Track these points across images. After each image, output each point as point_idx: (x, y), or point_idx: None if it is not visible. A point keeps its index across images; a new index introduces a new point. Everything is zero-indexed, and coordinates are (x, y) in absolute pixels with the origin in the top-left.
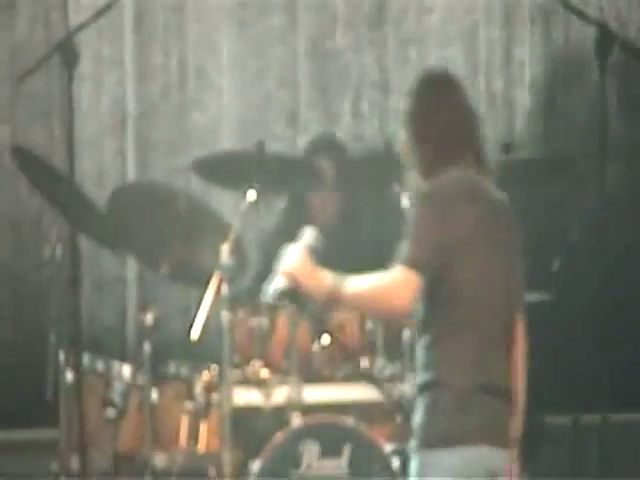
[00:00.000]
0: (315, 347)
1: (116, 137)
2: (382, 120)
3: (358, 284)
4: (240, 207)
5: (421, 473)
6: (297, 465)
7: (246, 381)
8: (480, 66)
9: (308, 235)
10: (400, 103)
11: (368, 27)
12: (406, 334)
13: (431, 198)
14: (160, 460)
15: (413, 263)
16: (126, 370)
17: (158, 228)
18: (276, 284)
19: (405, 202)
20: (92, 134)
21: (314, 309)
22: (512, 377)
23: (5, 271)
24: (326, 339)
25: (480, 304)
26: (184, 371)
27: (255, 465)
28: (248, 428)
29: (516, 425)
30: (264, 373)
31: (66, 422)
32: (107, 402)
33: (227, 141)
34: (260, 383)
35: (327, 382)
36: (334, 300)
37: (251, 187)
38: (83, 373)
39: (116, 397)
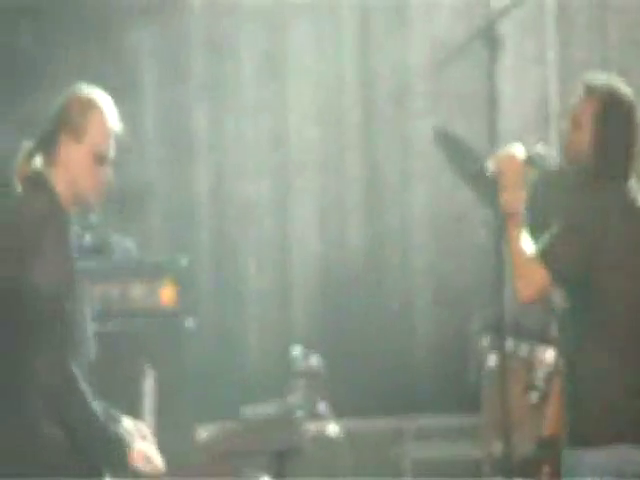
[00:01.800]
0: None
1: (539, 135)
2: None
3: (525, 240)
4: None
5: (568, 472)
6: None
7: None
8: None
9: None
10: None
11: None
12: None
13: (583, 209)
14: None
15: (548, 261)
16: (549, 355)
17: None
18: (487, 162)
19: None
20: (514, 131)
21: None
22: None
23: (431, 266)
24: None
25: (626, 309)
26: None
27: None
28: None
29: None
30: None
31: (489, 407)
32: (530, 387)
33: None
34: None
35: None
36: (507, 217)
37: None
38: (507, 358)
39: (539, 382)
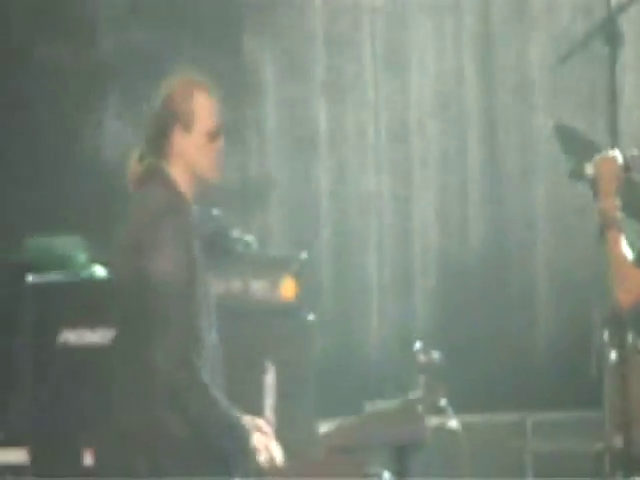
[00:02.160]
0: None
1: None
2: None
3: (623, 246)
4: None
5: None
6: None
7: None
8: None
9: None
10: None
11: None
12: None
13: None
14: None
15: None
16: None
17: None
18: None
19: None
20: (634, 125)
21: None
22: None
23: (552, 259)
24: None
25: None
26: None
27: None
28: None
29: None
30: None
31: (610, 402)
32: None
33: None
34: None
35: None
36: (603, 223)
37: None
38: (627, 352)
39: None
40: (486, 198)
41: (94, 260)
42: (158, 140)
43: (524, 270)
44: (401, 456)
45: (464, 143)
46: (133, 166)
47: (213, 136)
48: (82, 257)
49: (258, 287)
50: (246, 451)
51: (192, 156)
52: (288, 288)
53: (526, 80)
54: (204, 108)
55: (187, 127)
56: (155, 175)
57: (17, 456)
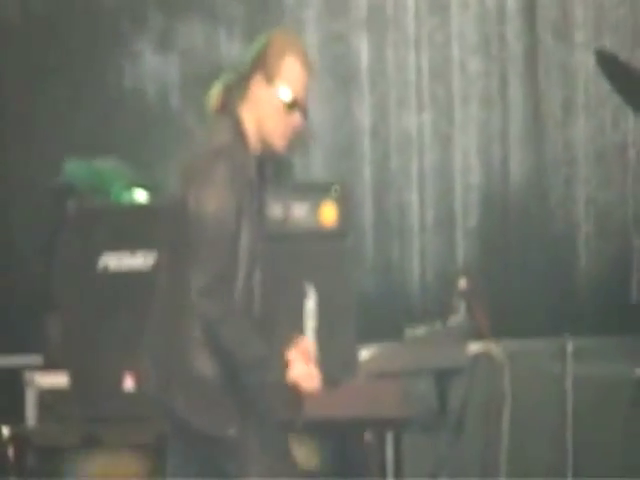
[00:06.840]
0: None
1: None
2: None
3: None
4: None
5: None
6: None
7: None
8: None
9: None
10: None
11: None
12: None
13: None
14: None
15: None
16: None
17: None
18: None
19: None
20: None
21: None
22: None
23: (593, 197)
24: None
25: None
26: None
27: None
28: None
29: None
30: None
31: None
32: None
33: None
34: None
35: None
36: None
37: None
38: None
39: None
40: (527, 135)
41: (134, 184)
42: (242, 80)
43: (565, 207)
44: (441, 382)
45: (505, 79)
46: (216, 92)
47: (290, 106)
48: (122, 181)
49: (298, 212)
50: (281, 383)
51: (264, 111)
52: (328, 213)
53: (568, 17)
54: (292, 71)
55: (268, 81)
56: (227, 115)
57: (58, 380)
